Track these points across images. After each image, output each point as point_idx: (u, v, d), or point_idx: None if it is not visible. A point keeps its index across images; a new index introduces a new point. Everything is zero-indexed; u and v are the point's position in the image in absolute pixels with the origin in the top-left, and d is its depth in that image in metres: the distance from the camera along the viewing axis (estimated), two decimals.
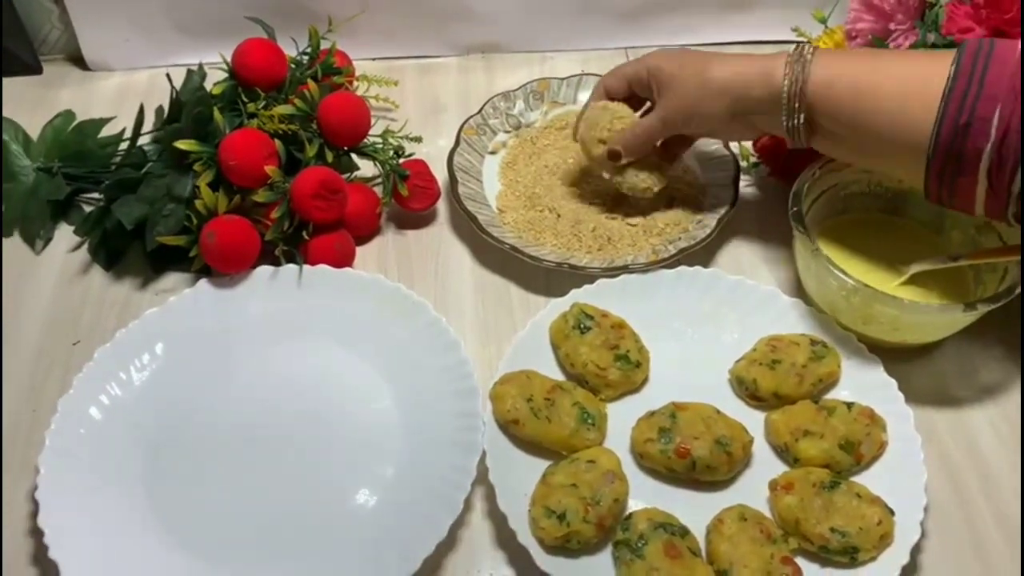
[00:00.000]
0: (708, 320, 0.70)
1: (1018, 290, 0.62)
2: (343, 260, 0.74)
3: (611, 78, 0.75)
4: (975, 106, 0.55)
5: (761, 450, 0.63)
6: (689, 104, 0.68)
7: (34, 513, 0.58)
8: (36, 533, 0.58)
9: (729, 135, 0.77)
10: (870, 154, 0.64)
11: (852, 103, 0.61)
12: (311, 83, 0.76)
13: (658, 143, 0.75)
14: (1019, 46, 0.56)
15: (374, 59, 0.96)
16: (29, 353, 0.71)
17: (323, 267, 0.72)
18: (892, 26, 0.76)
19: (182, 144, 0.71)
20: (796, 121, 0.64)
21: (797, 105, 0.63)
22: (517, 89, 0.88)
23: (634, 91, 0.74)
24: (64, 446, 0.61)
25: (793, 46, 0.65)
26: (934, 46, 0.73)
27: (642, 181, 0.75)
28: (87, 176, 0.80)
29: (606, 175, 0.79)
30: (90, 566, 0.57)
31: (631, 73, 0.73)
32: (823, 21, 0.91)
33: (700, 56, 0.69)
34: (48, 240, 0.79)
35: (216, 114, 0.72)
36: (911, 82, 0.59)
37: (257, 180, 0.71)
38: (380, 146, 0.78)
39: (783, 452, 0.63)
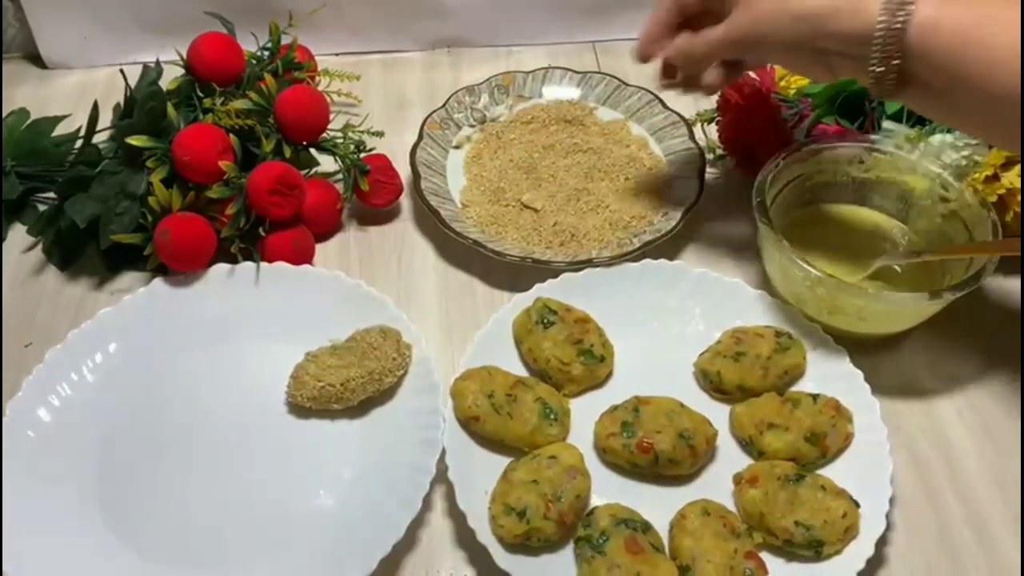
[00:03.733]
0: (673, 313, 0.69)
1: (982, 280, 0.62)
2: (302, 257, 0.73)
3: None
4: None
5: (726, 443, 0.62)
6: (759, 27, 0.58)
7: None
8: None
9: (801, 71, 0.64)
10: (967, 113, 0.56)
11: (960, 51, 0.51)
12: (268, 77, 0.74)
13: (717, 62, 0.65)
14: None
15: (338, 54, 0.94)
16: None
17: (281, 264, 0.71)
18: None
19: (134, 140, 0.69)
20: (887, 68, 0.53)
21: (893, 49, 0.53)
22: (482, 83, 0.86)
23: (708, 5, 0.62)
24: (12, 449, 0.60)
25: None
26: None
27: None
28: (41, 175, 0.79)
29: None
30: (38, 569, 0.55)
31: None
32: None
33: None
34: (0, 240, 0.77)
35: (170, 109, 0.71)
36: None
37: (211, 176, 0.69)
38: (340, 141, 0.77)
39: (748, 445, 0.62)
